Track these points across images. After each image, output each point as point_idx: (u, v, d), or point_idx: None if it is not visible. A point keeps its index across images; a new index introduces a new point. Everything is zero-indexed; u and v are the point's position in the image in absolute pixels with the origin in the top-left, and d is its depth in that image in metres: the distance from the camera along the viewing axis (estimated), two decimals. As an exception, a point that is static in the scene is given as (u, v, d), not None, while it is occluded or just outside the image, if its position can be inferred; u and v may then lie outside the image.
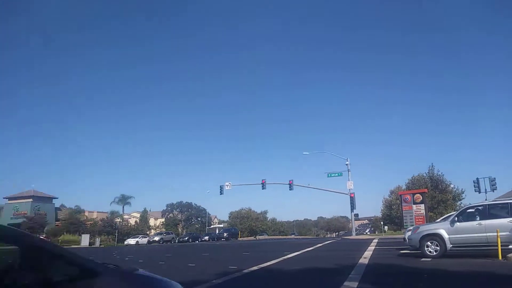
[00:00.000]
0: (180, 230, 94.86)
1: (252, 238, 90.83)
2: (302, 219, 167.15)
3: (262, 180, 52.07)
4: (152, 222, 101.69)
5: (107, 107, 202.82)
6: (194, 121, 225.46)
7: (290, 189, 51.03)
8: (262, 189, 51.89)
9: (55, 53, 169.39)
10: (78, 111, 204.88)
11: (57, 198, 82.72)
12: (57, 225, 72.96)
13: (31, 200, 74.08)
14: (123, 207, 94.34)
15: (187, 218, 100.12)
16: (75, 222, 71.04)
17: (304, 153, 59.69)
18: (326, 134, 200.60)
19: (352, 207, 48.75)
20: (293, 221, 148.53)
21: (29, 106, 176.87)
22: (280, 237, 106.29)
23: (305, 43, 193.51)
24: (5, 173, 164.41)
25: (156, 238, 59.93)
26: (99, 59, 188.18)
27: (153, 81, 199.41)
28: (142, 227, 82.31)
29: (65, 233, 67.84)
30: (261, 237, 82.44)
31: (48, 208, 77.41)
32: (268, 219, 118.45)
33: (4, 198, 77.10)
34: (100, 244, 62.26)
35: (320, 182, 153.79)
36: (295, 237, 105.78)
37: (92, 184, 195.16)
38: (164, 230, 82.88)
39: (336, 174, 51.26)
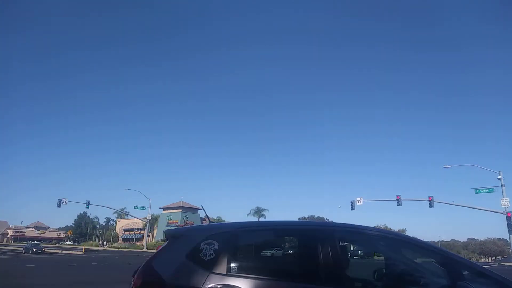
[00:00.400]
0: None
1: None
2: (449, 240, 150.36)
3: (397, 196, 48.94)
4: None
5: (244, 128, 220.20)
6: (326, 139, 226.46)
7: (430, 206, 46.69)
8: (398, 205, 48.70)
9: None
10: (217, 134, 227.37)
11: (201, 209, 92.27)
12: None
13: (181, 210, 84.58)
14: (258, 218, 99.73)
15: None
16: (218, 233, 77.93)
17: (445, 166, 53.39)
18: (471, 145, 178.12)
19: (510, 228, 41.98)
20: (438, 241, 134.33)
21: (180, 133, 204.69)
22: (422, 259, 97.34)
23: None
24: (160, 186, 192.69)
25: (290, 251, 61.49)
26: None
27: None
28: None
29: (210, 241, 75.12)
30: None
31: (195, 218, 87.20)
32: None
33: (159, 208, 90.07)
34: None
35: (466, 199, 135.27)
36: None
37: (230, 196, 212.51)
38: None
39: (487, 190, 44.99)
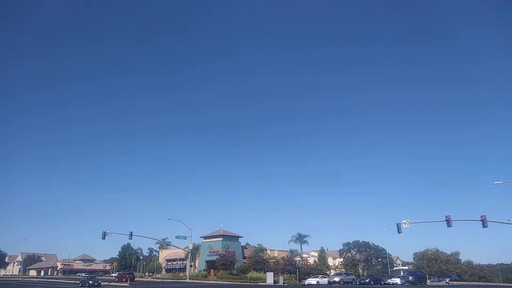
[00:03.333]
0: (360, 271, 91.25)
1: (443, 283, 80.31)
2: (509, 262, 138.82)
3: (447, 217, 46.17)
4: (330, 261, 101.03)
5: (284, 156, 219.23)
6: (370, 159, 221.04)
7: (483, 227, 43.55)
8: (448, 226, 45.89)
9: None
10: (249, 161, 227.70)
11: (242, 237, 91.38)
12: (245, 262, 79.99)
13: (221, 238, 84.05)
14: (300, 245, 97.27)
15: (366, 259, 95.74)
16: (260, 260, 76.41)
17: (495, 182, 49.68)
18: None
19: None
20: (496, 264, 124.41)
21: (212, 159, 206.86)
22: (480, 283, 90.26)
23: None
24: (201, 215, 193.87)
25: (336, 279, 58.72)
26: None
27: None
28: (321, 267, 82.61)
29: (252, 270, 73.74)
30: (453, 281, 72.26)
31: (236, 246, 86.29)
32: (462, 261, 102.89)
33: (200, 237, 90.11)
34: (283, 283, 64.60)
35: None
36: (491, 283, 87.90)
37: (270, 223, 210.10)
38: (343, 270, 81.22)
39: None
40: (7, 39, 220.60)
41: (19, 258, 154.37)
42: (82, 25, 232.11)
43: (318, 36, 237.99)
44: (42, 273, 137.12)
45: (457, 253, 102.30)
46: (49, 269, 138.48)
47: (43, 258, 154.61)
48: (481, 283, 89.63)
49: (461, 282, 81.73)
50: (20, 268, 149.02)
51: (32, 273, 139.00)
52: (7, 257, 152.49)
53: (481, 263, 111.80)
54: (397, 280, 58.22)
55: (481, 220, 44.00)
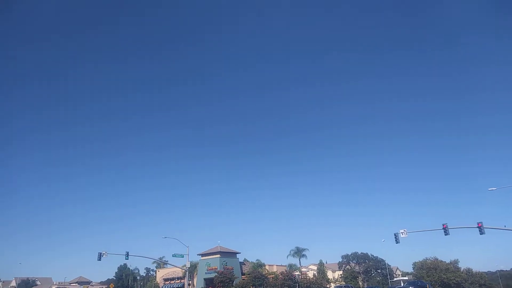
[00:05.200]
0: (360, 283, 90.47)
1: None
2: (508, 269, 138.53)
3: (443, 225, 46.23)
4: (330, 274, 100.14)
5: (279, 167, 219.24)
6: (363, 170, 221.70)
7: (480, 233, 43.64)
8: (445, 235, 45.88)
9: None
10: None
11: (239, 253, 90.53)
12: (244, 278, 79.08)
13: (219, 255, 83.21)
14: (299, 259, 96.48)
15: (366, 270, 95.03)
16: (259, 276, 75.61)
17: (490, 189, 50.11)
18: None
19: None
20: (496, 271, 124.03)
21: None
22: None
23: None
24: (197, 231, 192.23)
25: (336, 292, 58.34)
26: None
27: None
28: (320, 281, 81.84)
29: (251, 287, 72.86)
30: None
31: (234, 262, 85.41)
32: (462, 269, 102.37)
33: (198, 254, 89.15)
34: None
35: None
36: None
37: (268, 238, 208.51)
38: (343, 283, 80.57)
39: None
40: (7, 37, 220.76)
41: (13, 284, 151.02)
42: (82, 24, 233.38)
43: (316, 43, 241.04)
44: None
45: (456, 261, 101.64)
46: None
47: (38, 282, 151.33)
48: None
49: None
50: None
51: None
52: (0, 283, 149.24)
53: (480, 271, 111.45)
54: None
55: (478, 227, 44.11)
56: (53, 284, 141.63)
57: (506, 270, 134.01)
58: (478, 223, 44.40)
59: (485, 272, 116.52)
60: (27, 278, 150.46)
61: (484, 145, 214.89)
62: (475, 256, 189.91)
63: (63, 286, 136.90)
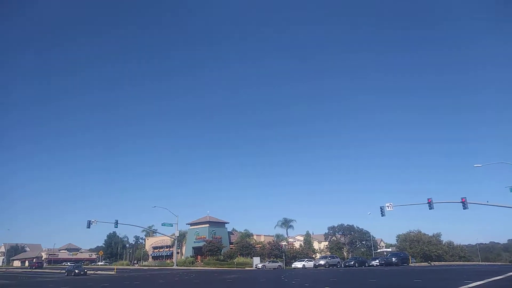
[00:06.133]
0: (345, 254, 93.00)
1: (425, 264, 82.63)
2: (487, 242, 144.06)
3: (428, 199, 47.16)
4: (316, 245, 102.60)
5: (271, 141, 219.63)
6: (352, 145, 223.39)
7: (464, 208, 44.70)
8: (430, 209, 46.90)
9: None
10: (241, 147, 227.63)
11: (228, 222, 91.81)
12: (231, 248, 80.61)
13: (208, 225, 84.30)
14: (286, 230, 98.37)
15: (351, 242, 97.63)
16: (246, 246, 77.09)
17: (475, 165, 50.97)
18: (501, 143, 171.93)
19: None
20: (476, 244, 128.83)
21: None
22: (460, 263, 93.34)
23: None
24: (186, 202, 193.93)
25: (322, 262, 59.75)
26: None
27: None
28: (306, 251, 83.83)
29: (238, 256, 74.36)
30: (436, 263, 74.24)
31: (222, 232, 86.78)
32: (443, 242, 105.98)
33: (187, 224, 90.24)
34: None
35: (502, 199, 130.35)
36: (479, 263, 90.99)
37: (256, 208, 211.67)
38: (329, 253, 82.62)
39: (524, 188, 42.79)
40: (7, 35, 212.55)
41: (2, 249, 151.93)
42: (82, 24, 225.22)
43: (318, 42, 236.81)
44: (27, 263, 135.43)
45: (438, 235, 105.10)
46: (34, 259, 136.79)
47: (27, 249, 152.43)
48: (459, 263, 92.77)
49: (443, 263, 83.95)
50: (3, 259, 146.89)
51: (16, 263, 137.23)
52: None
53: (461, 244, 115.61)
54: (375, 262, 59.44)
55: (462, 202, 45.11)
56: (42, 251, 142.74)
57: (485, 243, 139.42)
58: (462, 198, 45.42)
59: (465, 245, 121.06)
60: (16, 244, 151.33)
61: (474, 123, 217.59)
62: (458, 230, 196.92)
63: (52, 253, 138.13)
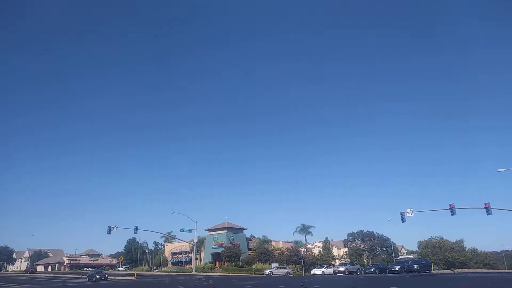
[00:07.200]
0: (365, 260, 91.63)
1: (448, 271, 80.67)
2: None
3: (450, 205, 46.08)
4: (335, 251, 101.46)
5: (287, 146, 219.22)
6: (373, 150, 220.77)
7: (488, 214, 43.49)
8: (452, 215, 45.78)
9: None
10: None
11: (246, 228, 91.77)
12: (250, 254, 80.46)
13: (226, 231, 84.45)
14: (305, 236, 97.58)
15: (371, 248, 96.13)
16: (265, 252, 76.81)
17: (499, 170, 49.43)
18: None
19: None
20: (501, 251, 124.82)
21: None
22: (485, 270, 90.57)
23: None
24: (205, 209, 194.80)
25: (341, 269, 58.85)
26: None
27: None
28: (325, 257, 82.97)
29: (257, 262, 74.16)
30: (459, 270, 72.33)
31: (240, 238, 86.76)
32: (467, 249, 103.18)
33: (205, 230, 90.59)
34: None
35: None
36: (505, 270, 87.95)
37: (274, 214, 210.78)
38: (348, 260, 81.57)
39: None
40: (8, 36, 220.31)
41: (26, 254, 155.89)
42: (81, 23, 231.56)
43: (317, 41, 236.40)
44: (50, 268, 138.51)
45: (461, 241, 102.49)
46: (56, 265, 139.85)
47: (50, 254, 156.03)
48: (484, 270, 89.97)
49: (466, 270, 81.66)
50: (27, 264, 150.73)
51: (40, 268, 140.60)
52: (14, 254, 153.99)
53: (485, 250, 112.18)
54: (397, 267, 57.88)
55: (485, 208, 43.91)
56: (64, 256, 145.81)
57: (511, 250, 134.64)
58: (485, 204, 44.22)
59: (490, 252, 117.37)
60: (40, 250, 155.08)
61: (493, 128, 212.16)
62: (482, 236, 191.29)
63: (73, 258, 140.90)
